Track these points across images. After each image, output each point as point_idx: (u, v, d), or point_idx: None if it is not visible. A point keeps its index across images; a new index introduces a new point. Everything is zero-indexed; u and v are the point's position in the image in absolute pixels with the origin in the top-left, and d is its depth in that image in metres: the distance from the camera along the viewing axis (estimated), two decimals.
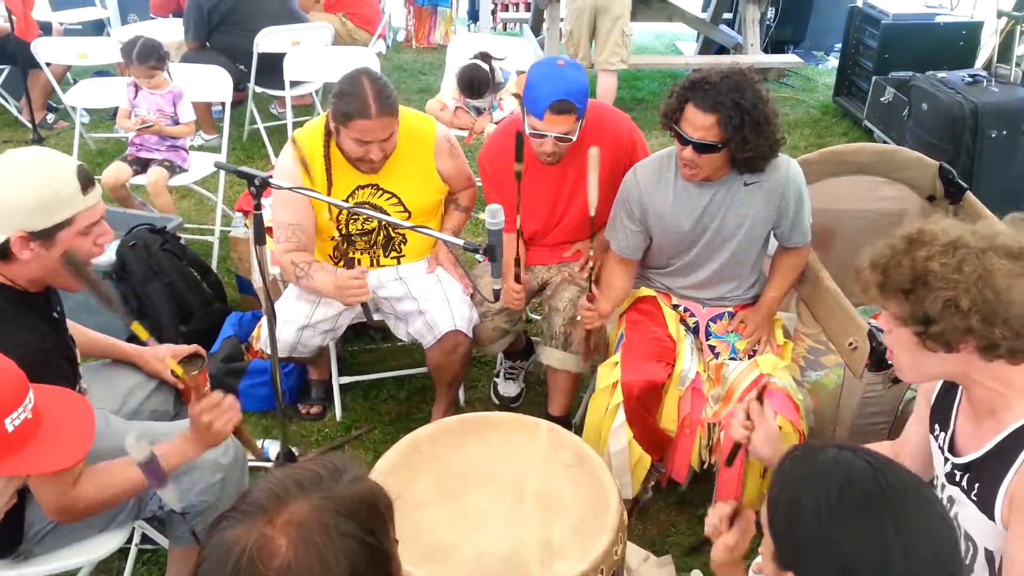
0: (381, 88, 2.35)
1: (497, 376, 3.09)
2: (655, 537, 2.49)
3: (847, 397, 2.35)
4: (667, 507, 2.58)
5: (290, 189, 2.19)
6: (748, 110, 2.15)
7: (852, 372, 2.32)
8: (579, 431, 2.44)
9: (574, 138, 2.42)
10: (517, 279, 2.52)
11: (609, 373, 2.38)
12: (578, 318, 2.46)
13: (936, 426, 1.62)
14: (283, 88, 4.44)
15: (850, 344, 2.30)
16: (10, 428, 1.29)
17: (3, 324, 1.62)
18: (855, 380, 2.31)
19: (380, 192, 2.56)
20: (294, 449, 2.63)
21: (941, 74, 4.46)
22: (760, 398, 1.86)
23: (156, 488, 1.68)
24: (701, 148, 2.21)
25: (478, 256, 3.62)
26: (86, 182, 1.68)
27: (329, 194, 2.49)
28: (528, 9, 6.98)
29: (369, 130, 2.35)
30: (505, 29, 7.40)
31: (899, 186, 2.94)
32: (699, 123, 2.18)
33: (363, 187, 2.55)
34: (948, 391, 1.61)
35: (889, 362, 2.18)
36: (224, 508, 0.97)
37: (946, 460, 1.55)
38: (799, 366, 2.52)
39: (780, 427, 2.16)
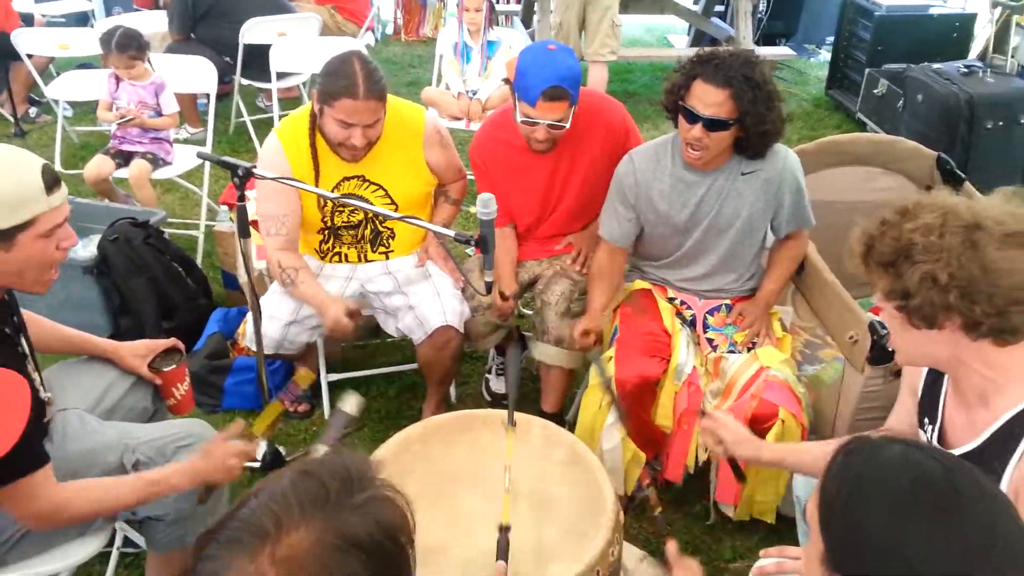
0: (371, 71, 2.29)
1: (489, 372, 3.03)
2: (651, 536, 2.43)
3: (847, 391, 2.30)
4: (663, 505, 2.52)
5: (274, 179, 2.12)
6: (760, 85, 2.10)
7: (853, 366, 2.27)
8: (573, 427, 2.39)
9: (567, 125, 2.36)
10: (504, 297, 2.50)
11: (603, 368, 2.33)
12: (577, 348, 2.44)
13: (925, 420, 1.57)
14: (270, 80, 4.36)
15: (850, 337, 2.26)
16: None
17: None
18: (855, 374, 2.26)
19: (366, 184, 2.49)
20: (281, 448, 2.57)
21: (936, 65, 4.43)
22: (703, 414, 1.89)
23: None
24: (711, 125, 2.14)
25: (468, 251, 3.57)
26: (51, 182, 1.58)
27: (316, 185, 2.42)
28: (519, 1, 6.91)
29: (355, 111, 2.28)
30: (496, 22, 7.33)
31: (897, 176, 2.90)
32: (710, 99, 2.11)
33: (349, 178, 2.48)
34: (934, 382, 1.56)
35: (889, 354, 2.15)
36: (210, 519, 0.86)
37: None
38: (796, 360, 2.47)
39: (783, 420, 2.12)
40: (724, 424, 1.83)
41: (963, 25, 5.33)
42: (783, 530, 2.32)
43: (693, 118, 2.15)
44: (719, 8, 6.61)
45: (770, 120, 2.15)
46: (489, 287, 2.08)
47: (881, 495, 0.99)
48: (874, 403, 2.25)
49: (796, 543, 2.08)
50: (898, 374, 2.19)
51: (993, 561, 0.94)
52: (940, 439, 1.51)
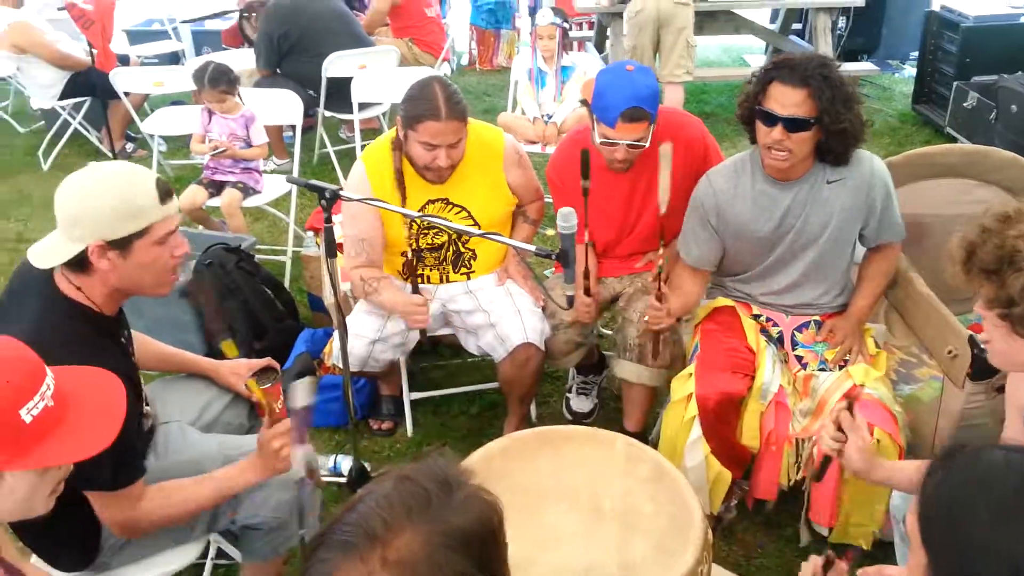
0: (452, 93, 2.35)
1: (569, 391, 3.02)
2: (741, 559, 2.37)
3: (947, 408, 2.20)
4: (753, 527, 2.46)
5: (361, 200, 2.18)
6: (837, 85, 2.07)
7: (952, 382, 2.18)
8: (656, 447, 2.36)
9: (647, 144, 2.36)
10: (587, 292, 2.46)
11: (683, 385, 2.30)
12: (645, 318, 2.38)
13: None
14: (351, 112, 4.49)
15: (949, 352, 2.16)
16: (28, 419, 1.22)
17: (87, 347, 1.64)
18: (955, 390, 2.16)
19: (450, 206, 2.54)
20: (366, 464, 2.61)
21: None
22: (851, 408, 1.75)
23: (296, 442, 1.72)
24: (791, 125, 2.10)
25: (547, 272, 3.59)
26: (164, 193, 1.71)
27: (403, 207, 2.48)
28: (592, 28, 6.97)
29: (438, 133, 2.33)
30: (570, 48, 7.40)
31: (993, 188, 2.78)
32: (789, 100, 2.09)
33: (433, 201, 2.53)
34: None
35: (992, 369, 2.05)
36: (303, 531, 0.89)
37: None
38: (891, 379, 2.38)
39: (878, 440, 2.04)
40: (858, 430, 1.73)
41: None
42: (879, 556, 2.23)
43: (772, 120, 2.12)
44: (796, 26, 6.52)
45: (847, 119, 2.11)
46: (571, 301, 2.09)
47: (984, 500, 0.96)
48: (977, 420, 2.14)
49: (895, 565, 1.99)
50: (1001, 389, 2.09)
51: None
52: None
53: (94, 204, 1.63)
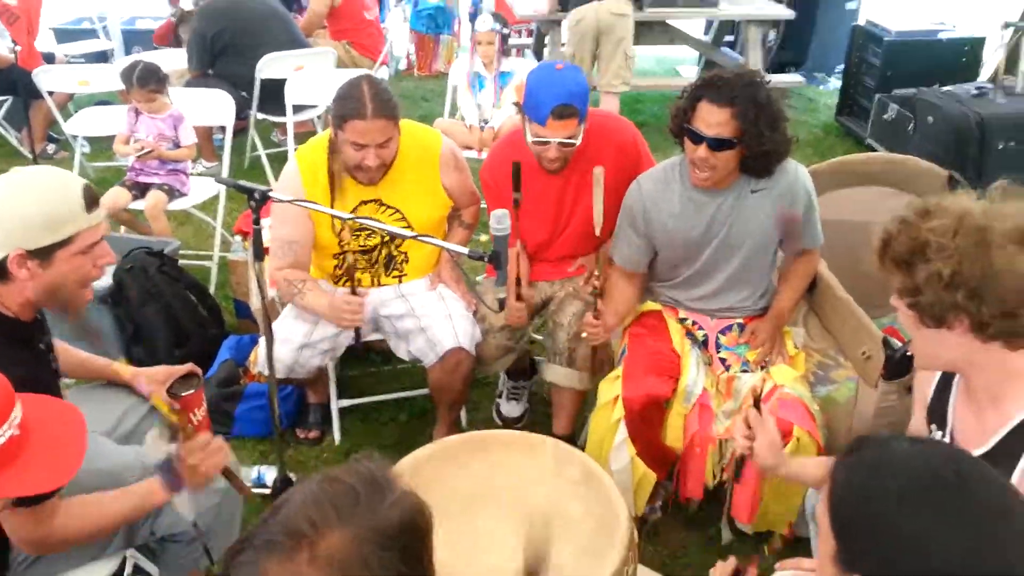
0: (380, 92, 2.32)
1: (500, 396, 3.02)
2: (666, 559, 2.40)
3: (861, 408, 2.28)
4: (677, 528, 2.50)
5: (291, 202, 2.15)
6: (763, 105, 2.12)
7: (866, 382, 2.25)
8: (584, 450, 2.37)
9: (578, 142, 2.38)
10: (519, 297, 2.46)
11: (610, 388, 2.32)
12: (583, 335, 2.40)
13: (933, 425, 1.57)
14: (285, 115, 4.42)
15: (863, 353, 2.24)
16: None
17: None
18: (869, 390, 2.24)
19: (383, 207, 2.52)
20: (292, 475, 2.56)
21: (947, 87, 4.44)
22: (757, 405, 1.79)
23: (172, 492, 1.64)
24: (716, 145, 2.15)
25: (478, 279, 3.59)
26: (91, 200, 1.64)
27: (333, 208, 2.45)
28: (531, 35, 7.01)
29: (366, 132, 2.30)
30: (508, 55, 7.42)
31: (909, 196, 2.88)
32: (714, 119, 2.13)
33: (366, 202, 2.50)
34: (944, 388, 1.55)
35: (904, 368, 2.13)
36: (235, 532, 0.88)
37: None
38: (808, 381, 2.45)
39: (798, 438, 2.10)
40: (765, 426, 1.77)
41: (972, 49, 5.35)
42: (799, 550, 2.28)
43: (698, 139, 2.17)
44: (729, 38, 6.67)
45: (771, 140, 2.16)
46: (502, 304, 2.09)
47: (888, 487, 0.99)
48: (890, 419, 2.21)
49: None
50: (912, 389, 2.17)
51: (1003, 543, 0.94)
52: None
53: (14, 212, 1.57)
